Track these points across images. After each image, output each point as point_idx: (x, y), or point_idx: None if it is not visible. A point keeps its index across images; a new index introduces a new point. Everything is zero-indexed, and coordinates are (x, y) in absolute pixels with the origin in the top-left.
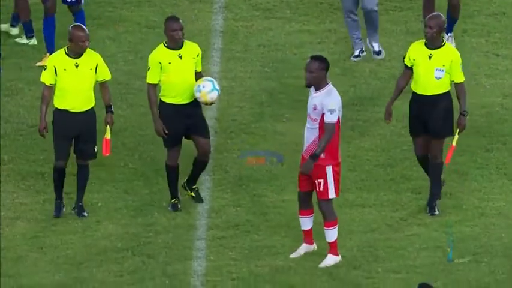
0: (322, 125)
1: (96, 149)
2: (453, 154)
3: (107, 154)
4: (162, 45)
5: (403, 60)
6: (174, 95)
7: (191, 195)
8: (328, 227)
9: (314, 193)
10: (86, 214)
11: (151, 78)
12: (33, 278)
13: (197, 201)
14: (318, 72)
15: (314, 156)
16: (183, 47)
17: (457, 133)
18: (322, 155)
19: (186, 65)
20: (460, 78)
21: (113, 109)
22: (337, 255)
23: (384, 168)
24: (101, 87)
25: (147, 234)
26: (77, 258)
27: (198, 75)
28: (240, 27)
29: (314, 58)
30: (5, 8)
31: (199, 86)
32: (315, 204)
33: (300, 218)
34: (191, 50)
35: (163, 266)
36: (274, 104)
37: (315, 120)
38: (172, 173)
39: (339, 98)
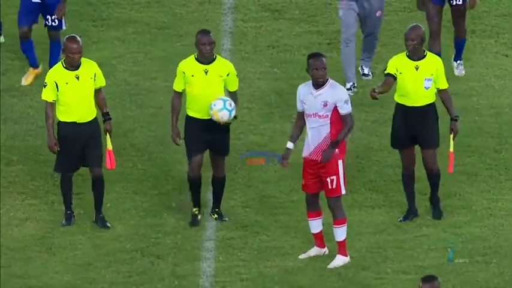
0: (334, 119)
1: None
2: (454, 159)
3: (113, 168)
4: (193, 56)
5: (384, 72)
6: (196, 108)
7: (214, 218)
8: (337, 225)
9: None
10: (109, 225)
11: (175, 85)
12: (42, 278)
13: (220, 219)
14: (326, 68)
15: (335, 144)
16: (213, 62)
17: (451, 139)
18: (336, 150)
19: (210, 81)
20: (445, 85)
21: (110, 116)
22: (346, 255)
23: (393, 169)
24: (96, 94)
25: (156, 235)
26: (85, 259)
27: (231, 95)
28: (249, 28)
29: (319, 55)
30: None
31: (211, 103)
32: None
33: (309, 221)
34: (221, 67)
35: (172, 267)
36: (283, 104)
37: (326, 116)
38: (192, 183)
39: None
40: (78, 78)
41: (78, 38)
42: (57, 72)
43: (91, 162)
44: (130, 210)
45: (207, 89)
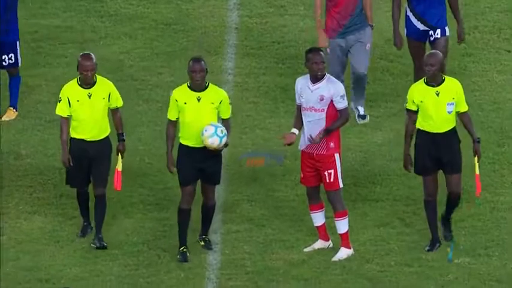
0: (330, 113)
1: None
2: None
3: (119, 189)
4: (186, 84)
5: (405, 106)
6: (188, 136)
7: (201, 245)
8: (338, 217)
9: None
10: (105, 244)
11: (169, 114)
12: (50, 271)
13: (206, 248)
14: (324, 63)
15: (327, 131)
16: (206, 90)
17: (476, 161)
18: (331, 144)
19: (202, 109)
20: (465, 107)
21: (124, 137)
22: (350, 248)
23: (397, 163)
24: (112, 114)
25: (162, 228)
26: (93, 252)
27: (224, 123)
28: (255, 23)
29: (318, 49)
30: None
31: (203, 129)
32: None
33: (312, 214)
34: (213, 95)
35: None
36: (288, 99)
37: (322, 110)
38: (182, 217)
39: None
40: (90, 96)
41: (92, 56)
42: (71, 88)
43: (95, 181)
44: (137, 204)
45: (199, 116)
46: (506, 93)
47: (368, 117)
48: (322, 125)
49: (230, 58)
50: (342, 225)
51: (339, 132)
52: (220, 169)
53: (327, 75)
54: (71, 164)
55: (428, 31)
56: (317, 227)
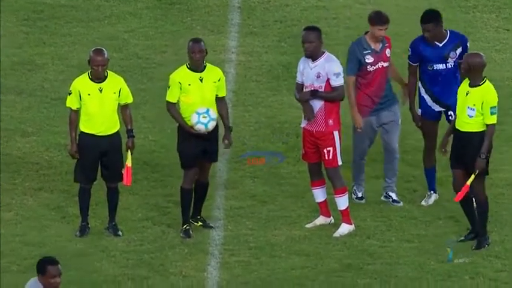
0: (329, 90)
1: (123, 172)
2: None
3: (128, 184)
4: (184, 66)
5: None
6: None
7: (199, 225)
8: (338, 194)
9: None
10: (120, 233)
11: (170, 97)
12: (56, 246)
13: (206, 227)
14: (317, 42)
15: (315, 94)
16: (205, 70)
17: (473, 174)
18: (330, 121)
19: (206, 88)
20: (489, 120)
21: (134, 133)
22: (351, 223)
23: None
24: (122, 110)
25: (166, 204)
26: (98, 228)
27: (220, 101)
28: (257, 3)
29: (310, 29)
30: None
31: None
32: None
33: (313, 190)
34: (213, 73)
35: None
36: (290, 78)
37: (320, 87)
38: (186, 196)
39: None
40: (101, 91)
41: (105, 51)
42: (82, 82)
43: (109, 178)
44: (142, 180)
45: (203, 96)
46: (505, 71)
47: (401, 202)
48: (321, 102)
49: (233, 37)
50: (342, 202)
51: (339, 110)
52: (218, 147)
53: (326, 53)
54: (78, 156)
55: (444, 111)
56: (318, 203)
